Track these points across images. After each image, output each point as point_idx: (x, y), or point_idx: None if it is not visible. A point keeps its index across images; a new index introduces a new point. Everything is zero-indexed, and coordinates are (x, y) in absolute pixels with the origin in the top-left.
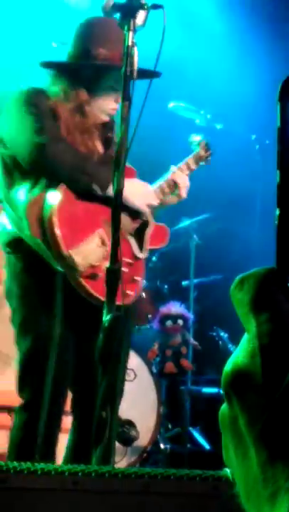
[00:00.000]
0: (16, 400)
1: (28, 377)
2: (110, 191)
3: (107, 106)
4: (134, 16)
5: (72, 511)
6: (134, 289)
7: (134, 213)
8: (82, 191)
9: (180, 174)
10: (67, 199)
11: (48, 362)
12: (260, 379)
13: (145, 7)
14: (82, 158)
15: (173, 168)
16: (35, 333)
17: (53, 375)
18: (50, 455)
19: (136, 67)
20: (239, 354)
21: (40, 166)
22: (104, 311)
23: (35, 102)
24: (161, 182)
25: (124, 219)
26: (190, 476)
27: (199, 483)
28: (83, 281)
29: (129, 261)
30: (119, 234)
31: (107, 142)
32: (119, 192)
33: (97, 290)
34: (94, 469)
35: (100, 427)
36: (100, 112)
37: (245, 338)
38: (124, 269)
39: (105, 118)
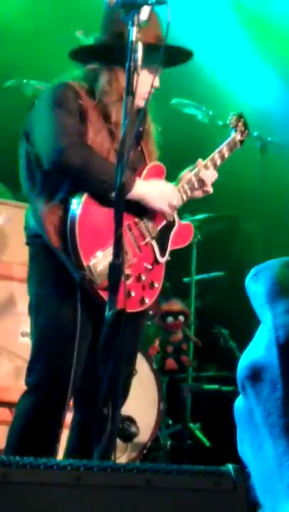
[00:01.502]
0: (17, 396)
1: (37, 361)
2: (131, 196)
3: (143, 89)
4: (138, 12)
5: (74, 506)
6: (152, 296)
7: (158, 216)
8: (101, 198)
9: (205, 171)
10: (87, 208)
11: (60, 349)
12: (277, 370)
13: (149, 2)
14: (102, 165)
15: (200, 162)
16: (48, 320)
17: (64, 363)
18: (51, 447)
19: (140, 62)
20: (255, 346)
21: (58, 170)
22: (106, 307)
23: (63, 101)
24: (190, 176)
25: (148, 223)
26: (192, 471)
27: (201, 478)
28: (100, 293)
29: (149, 267)
30: (122, 229)
31: (137, 137)
32: (122, 186)
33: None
34: (96, 464)
35: (101, 422)
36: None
37: (261, 330)
38: (142, 276)
39: (141, 104)
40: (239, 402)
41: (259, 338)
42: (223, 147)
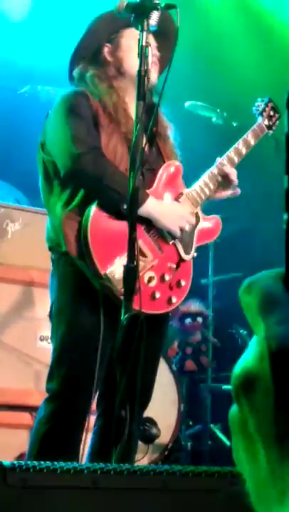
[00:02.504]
0: (37, 400)
1: (58, 367)
2: (142, 211)
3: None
4: (147, 17)
5: (92, 509)
6: (180, 295)
7: None
8: (113, 208)
9: (229, 168)
10: (99, 217)
11: (81, 355)
12: (270, 382)
13: (158, 7)
14: (115, 176)
15: (220, 160)
16: (69, 326)
17: (85, 369)
18: (73, 453)
19: (150, 67)
20: (248, 357)
21: (75, 177)
22: (122, 310)
23: (76, 108)
24: (206, 178)
25: None
26: (208, 473)
27: (217, 479)
28: (121, 297)
29: (174, 266)
30: (136, 232)
31: (150, 138)
32: (135, 191)
33: (136, 303)
34: (113, 467)
35: (119, 425)
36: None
37: (254, 341)
38: (166, 276)
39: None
40: (233, 411)
41: (252, 349)
42: (248, 135)
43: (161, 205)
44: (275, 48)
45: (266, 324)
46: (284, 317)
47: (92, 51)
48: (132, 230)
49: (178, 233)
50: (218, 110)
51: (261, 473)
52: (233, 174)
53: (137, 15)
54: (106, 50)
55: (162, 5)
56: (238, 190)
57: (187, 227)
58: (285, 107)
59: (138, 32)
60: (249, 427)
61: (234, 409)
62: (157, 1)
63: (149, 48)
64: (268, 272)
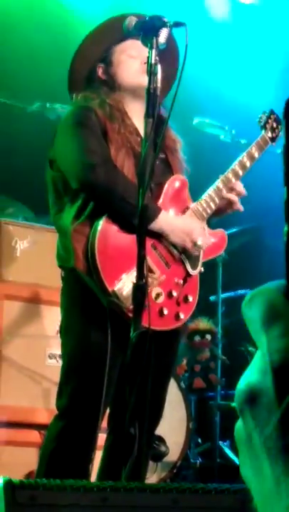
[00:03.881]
0: (45, 418)
1: (67, 384)
2: (155, 226)
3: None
4: (156, 34)
5: None
6: (188, 311)
7: None
8: (124, 220)
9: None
10: (106, 233)
11: (90, 372)
12: (273, 396)
13: (167, 25)
14: (128, 187)
15: (222, 176)
16: (78, 342)
17: (94, 386)
18: (83, 470)
19: (160, 84)
20: (252, 371)
21: (88, 188)
22: (132, 328)
23: (84, 122)
24: (212, 193)
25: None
26: (218, 490)
27: (227, 497)
28: (129, 314)
29: (180, 281)
30: (144, 250)
31: (155, 149)
32: (143, 208)
33: (145, 320)
34: (122, 485)
35: (128, 443)
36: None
37: (257, 355)
38: (174, 291)
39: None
40: (238, 426)
41: (255, 363)
42: (252, 148)
43: (174, 220)
44: None
45: (268, 338)
46: (286, 330)
47: (86, 74)
48: (141, 247)
49: (189, 248)
50: (226, 127)
51: (267, 488)
52: (239, 186)
53: (146, 33)
54: (100, 70)
55: (171, 23)
56: (240, 206)
57: (200, 242)
58: (283, 117)
59: (128, 45)
60: (254, 441)
61: (239, 424)
62: (166, 19)
63: (158, 65)
64: (270, 284)
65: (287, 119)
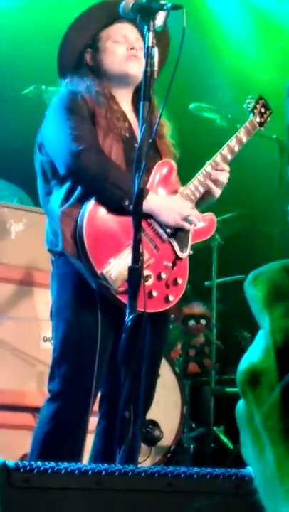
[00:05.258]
0: (40, 401)
1: (59, 367)
2: (144, 207)
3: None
4: (153, 17)
5: (96, 510)
6: (177, 293)
7: None
8: (113, 204)
9: (216, 172)
10: (94, 216)
11: (81, 354)
12: (275, 375)
13: (165, 8)
14: (117, 171)
15: (210, 162)
16: (68, 325)
17: (85, 368)
18: (76, 452)
19: (156, 67)
20: (254, 351)
21: (76, 174)
22: (127, 311)
23: (72, 107)
24: (200, 177)
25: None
26: (213, 474)
27: (222, 481)
28: (119, 297)
29: (170, 264)
30: (140, 233)
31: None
32: (140, 192)
33: (138, 304)
34: (117, 468)
35: (123, 426)
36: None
37: (260, 335)
38: (162, 274)
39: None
40: (240, 406)
41: (258, 343)
42: (240, 132)
43: (162, 200)
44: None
45: (271, 318)
46: None
47: (74, 60)
48: (138, 230)
49: (181, 224)
50: (223, 112)
51: (268, 470)
52: (226, 172)
53: (143, 15)
54: (87, 56)
55: (168, 5)
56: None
57: (191, 217)
58: (286, 96)
59: (114, 30)
60: (255, 421)
61: (241, 404)
62: (163, 2)
63: (155, 48)
64: (274, 263)
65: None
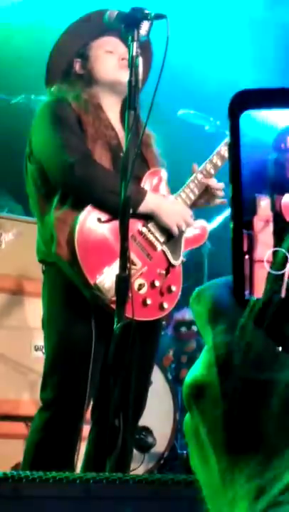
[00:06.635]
0: (32, 410)
1: (51, 376)
2: (143, 208)
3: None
4: (138, 27)
5: None
6: (171, 301)
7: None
8: (112, 210)
9: (208, 179)
10: (92, 221)
11: (73, 363)
12: (218, 390)
13: (149, 17)
14: (110, 178)
15: (195, 166)
16: (60, 335)
17: (77, 377)
18: (68, 461)
19: (141, 77)
20: (198, 366)
21: (70, 187)
22: (115, 319)
23: (60, 116)
24: (191, 185)
25: (155, 229)
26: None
27: None
28: (112, 306)
29: (162, 272)
30: (128, 242)
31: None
32: (126, 200)
33: (128, 312)
34: (105, 476)
35: (113, 434)
36: (107, 71)
37: (204, 350)
38: (156, 282)
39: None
40: (187, 419)
41: (202, 358)
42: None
43: (163, 200)
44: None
45: (214, 333)
46: (230, 326)
47: (63, 69)
48: (124, 239)
49: (176, 231)
50: (211, 119)
51: (213, 481)
52: (213, 183)
53: (128, 25)
54: (77, 65)
55: (152, 15)
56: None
57: (184, 228)
58: (228, 116)
59: (105, 40)
60: (201, 434)
61: (187, 417)
62: (147, 11)
63: (140, 58)
64: (217, 280)
65: (231, 118)
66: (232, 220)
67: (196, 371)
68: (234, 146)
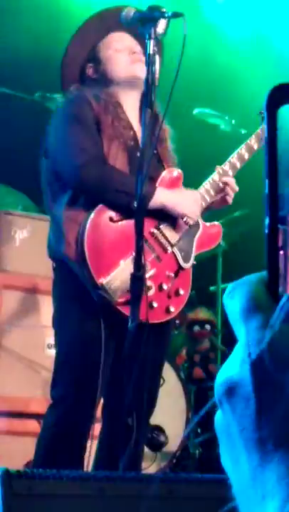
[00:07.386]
0: (45, 408)
1: (61, 374)
2: (154, 204)
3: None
4: (155, 25)
5: None
6: (178, 304)
7: (178, 223)
8: (123, 209)
9: (228, 178)
10: (102, 221)
11: (84, 361)
12: (250, 386)
13: (166, 16)
14: (121, 178)
15: (219, 168)
16: (70, 332)
17: (87, 375)
18: (78, 458)
19: (158, 75)
20: (231, 362)
21: (79, 188)
22: (129, 319)
23: (78, 115)
24: (207, 186)
25: (166, 231)
26: (214, 480)
27: (223, 487)
28: (119, 307)
29: (171, 274)
30: (142, 241)
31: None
32: (142, 198)
33: (140, 313)
34: (119, 475)
35: (126, 433)
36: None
37: (237, 346)
38: (164, 285)
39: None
40: (218, 417)
41: (234, 354)
42: (251, 139)
43: (173, 193)
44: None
45: (247, 329)
46: (264, 322)
47: (77, 76)
48: (140, 238)
49: (194, 218)
50: (227, 117)
51: (244, 479)
52: (232, 182)
53: (144, 23)
54: (90, 70)
55: (169, 13)
56: (230, 202)
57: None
58: (264, 109)
59: (112, 39)
60: (232, 432)
61: (219, 414)
62: (164, 10)
63: (157, 56)
64: (252, 276)
65: (268, 112)
66: (267, 215)
67: (228, 368)
68: (271, 141)
